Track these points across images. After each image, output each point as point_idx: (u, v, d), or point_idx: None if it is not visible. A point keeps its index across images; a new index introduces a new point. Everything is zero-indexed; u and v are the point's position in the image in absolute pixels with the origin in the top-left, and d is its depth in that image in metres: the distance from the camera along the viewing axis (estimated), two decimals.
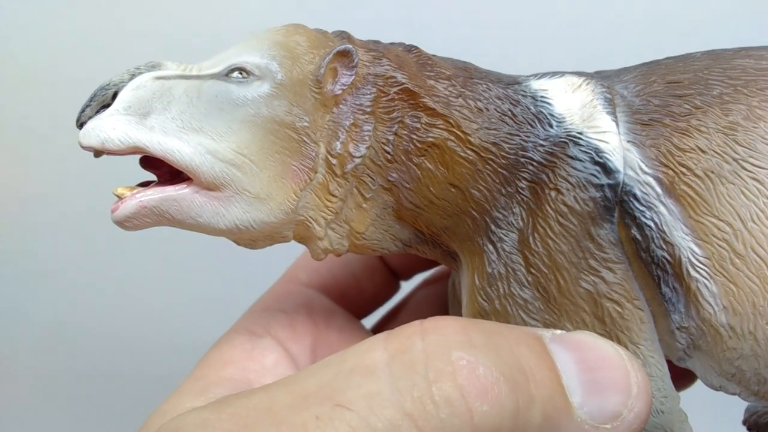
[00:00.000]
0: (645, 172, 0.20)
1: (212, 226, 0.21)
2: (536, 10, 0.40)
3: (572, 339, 0.19)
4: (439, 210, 0.22)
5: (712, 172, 0.20)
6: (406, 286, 0.32)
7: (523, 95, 0.22)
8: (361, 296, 0.30)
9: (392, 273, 0.31)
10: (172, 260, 0.48)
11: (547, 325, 0.21)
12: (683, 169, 0.20)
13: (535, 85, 0.22)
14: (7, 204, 0.48)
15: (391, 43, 0.23)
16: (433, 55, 0.23)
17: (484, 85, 0.22)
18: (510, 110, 0.22)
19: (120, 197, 0.21)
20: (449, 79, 0.22)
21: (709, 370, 0.22)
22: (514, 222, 0.22)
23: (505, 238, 0.22)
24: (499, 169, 0.22)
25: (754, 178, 0.20)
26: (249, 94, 0.20)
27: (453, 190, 0.22)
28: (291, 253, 0.30)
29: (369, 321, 0.31)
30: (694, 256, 0.20)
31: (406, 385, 0.16)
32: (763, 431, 0.29)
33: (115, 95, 0.20)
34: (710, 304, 0.20)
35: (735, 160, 0.20)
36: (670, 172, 0.20)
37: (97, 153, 0.21)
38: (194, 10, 0.45)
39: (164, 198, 0.21)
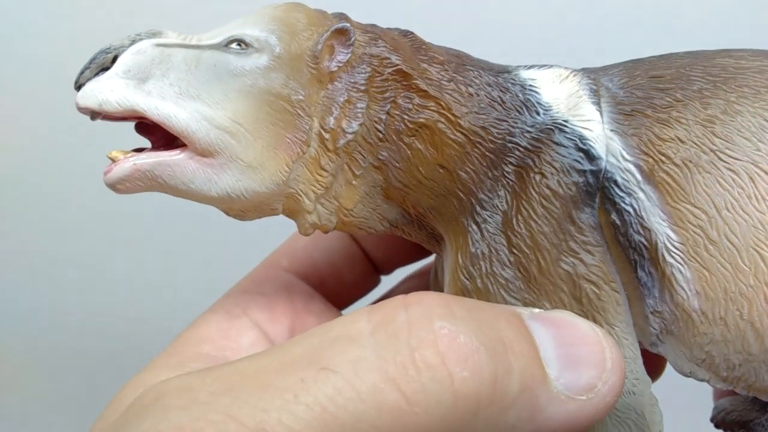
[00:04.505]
0: (626, 160, 0.21)
1: (203, 193, 0.22)
2: (532, 10, 0.41)
3: (550, 316, 0.20)
4: (426, 190, 0.23)
5: (690, 161, 0.21)
6: (388, 283, 0.33)
7: (512, 83, 0.23)
8: (340, 285, 0.30)
9: (373, 266, 0.31)
10: (157, 244, 0.48)
11: (526, 304, 0.22)
12: (662, 158, 0.21)
13: (524, 74, 0.23)
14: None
15: (388, 28, 0.24)
16: (428, 42, 0.24)
17: (476, 72, 0.23)
18: (499, 97, 0.23)
19: (114, 160, 0.21)
20: (442, 64, 0.23)
21: (680, 356, 0.22)
22: (498, 204, 0.22)
23: (489, 219, 0.22)
24: (487, 153, 0.22)
25: (729, 169, 0.20)
26: (247, 65, 0.21)
27: (441, 170, 0.22)
28: (278, 242, 0.30)
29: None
30: (669, 242, 0.21)
31: (389, 352, 0.17)
32: (731, 428, 0.30)
33: (114, 60, 0.21)
34: (683, 289, 0.21)
35: (712, 150, 0.21)
36: (650, 160, 0.21)
37: (94, 115, 0.21)
38: (196, 9, 0.45)
39: (158, 162, 0.21)
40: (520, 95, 0.23)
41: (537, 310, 0.20)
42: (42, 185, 0.48)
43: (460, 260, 0.23)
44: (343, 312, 0.30)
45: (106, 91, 0.20)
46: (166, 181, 0.21)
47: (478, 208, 0.22)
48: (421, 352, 0.17)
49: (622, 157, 0.21)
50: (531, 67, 0.24)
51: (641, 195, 0.21)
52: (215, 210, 0.23)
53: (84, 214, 0.49)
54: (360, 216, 0.24)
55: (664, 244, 0.21)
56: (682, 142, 0.21)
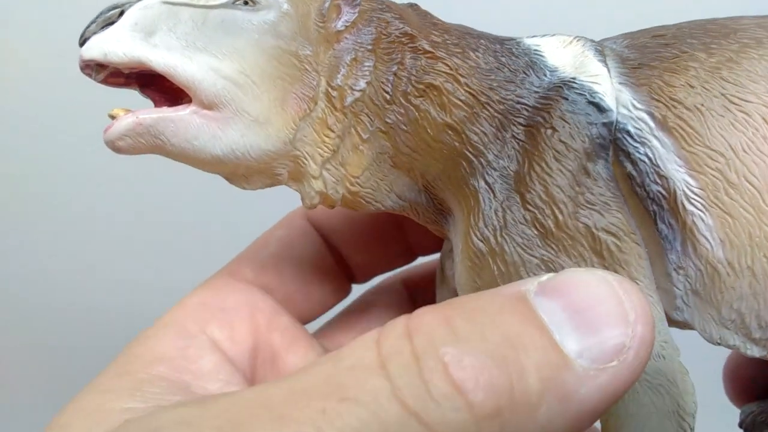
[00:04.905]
0: (638, 108, 0.21)
1: (207, 151, 0.21)
2: (531, 10, 0.42)
3: (556, 284, 0.18)
4: (435, 153, 0.22)
5: (702, 105, 0.21)
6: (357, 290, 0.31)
7: (517, 49, 0.23)
8: (308, 301, 0.28)
9: (346, 276, 0.29)
10: (152, 244, 0.47)
11: (544, 262, 0.21)
12: (674, 103, 0.21)
13: (528, 41, 0.23)
14: None
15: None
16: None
17: (481, 40, 0.23)
18: (506, 60, 0.23)
19: (115, 117, 0.21)
20: (447, 30, 0.23)
21: (708, 320, 0.21)
22: (509, 166, 0.22)
23: (500, 180, 0.22)
24: (496, 114, 0.22)
25: (742, 111, 0.20)
26: (255, 20, 0.21)
27: (450, 132, 0.22)
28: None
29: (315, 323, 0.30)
30: (688, 188, 0.20)
31: (404, 384, 0.16)
32: (761, 431, 0.28)
33: (121, 15, 0.21)
34: (707, 239, 0.20)
35: (723, 95, 0.21)
36: (662, 106, 0.21)
37: (98, 70, 0.21)
38: None
39: (161, 117, 0.20)
40: (526, 58, 0.23)
41: (545, 278, 0.18)
42: (40, 185, 0.48)
43: (473, 221, 0.22)
44: (307, 327, 0.28)
45: (112, 41, 0.20)
46: (168, 138, 0.21)
47: (488, 169, 0.22)
48: (435, 383, 0.16)
49: (633, 106, 0.21)
50: (533, 36, 0.24)
51: (655, 143, 0.21)
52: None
53: (79, 212, 0.48)
54: (367, 186, 0.23)
55: (683, 191, 0.20)
56: (692, 87, 0.21)
